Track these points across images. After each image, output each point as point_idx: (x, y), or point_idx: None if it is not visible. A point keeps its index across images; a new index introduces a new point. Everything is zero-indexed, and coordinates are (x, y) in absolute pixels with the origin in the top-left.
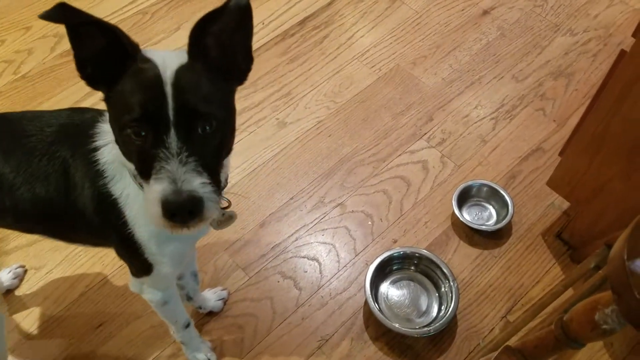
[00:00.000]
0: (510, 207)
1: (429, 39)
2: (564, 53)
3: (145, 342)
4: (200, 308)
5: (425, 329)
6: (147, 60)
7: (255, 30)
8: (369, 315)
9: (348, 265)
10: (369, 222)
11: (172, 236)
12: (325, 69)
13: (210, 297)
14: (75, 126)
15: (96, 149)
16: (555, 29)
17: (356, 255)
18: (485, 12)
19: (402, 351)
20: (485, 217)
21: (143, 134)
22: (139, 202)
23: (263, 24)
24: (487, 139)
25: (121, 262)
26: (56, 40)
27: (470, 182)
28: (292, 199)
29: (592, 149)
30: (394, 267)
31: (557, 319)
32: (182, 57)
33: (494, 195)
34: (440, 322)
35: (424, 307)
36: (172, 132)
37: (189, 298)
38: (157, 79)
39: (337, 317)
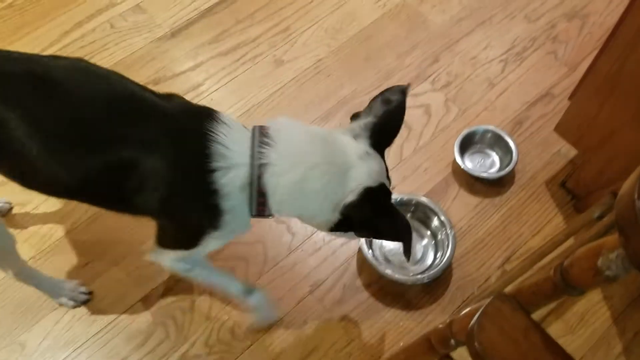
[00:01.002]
0: (514, 154)
1: None
2: None
3: (136, 281)
4: None
5: (419, 276)
6: None
7: None
8: (362, 261)
9: None
10: None
11: (223, 235)
12: (327, 2)
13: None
14: (182, 131)
15: (213, 170)
16: None
17: None
18: None
19: (394, 298)
20: (488, 164)
21: None
22: (238, 217)
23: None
24: (495, 82)
25: None
26: None
27: (474, 128)
28: None
29: (604, 92)
30: None
31: (556, 264)
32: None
33: (498, 142)
34: (435, 270)
35: (419, 255)
36: None
37: None
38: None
39: (330, 263)
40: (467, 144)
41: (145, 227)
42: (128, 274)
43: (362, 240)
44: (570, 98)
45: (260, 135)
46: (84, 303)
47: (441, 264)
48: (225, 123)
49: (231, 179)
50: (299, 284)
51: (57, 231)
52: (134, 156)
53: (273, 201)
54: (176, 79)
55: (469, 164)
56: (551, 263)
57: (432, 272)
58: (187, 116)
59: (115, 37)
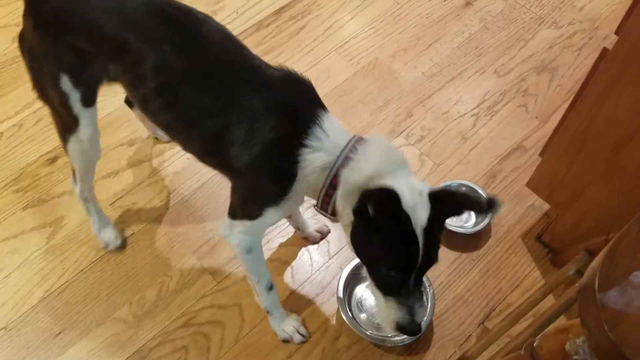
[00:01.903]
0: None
1: (410, 31)
2: (548, 47)
3: (108, 350)
4: (298, 230)
5: (400, 337)
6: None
7: (228, 20)
8: (341, 322)
9: (321, 269)
10: None
11: (284, 205)
12: (302, 61)
13: (310, 224)
14: (293, 108)
15: (305, 145)
16: (539, 21)
17: (330, 259)
18: (468, 3)
19: (377, 359)
20: (464, 218)
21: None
22: (305, 185)
23: (237, 13)
24: (467, 136)
25: (83, 266)
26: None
27: (448, 182)
28: None
29: (573, 150)
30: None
31: (527, 343)
32: (426, 205)
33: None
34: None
35: None
36: (414, 275)
37: (289, 216)
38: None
39: (308, 324)
40: None
41: (120, 294)
42: (100, 343)
43: (341, 298)
44: (541, 154)
45: (357, 142)
46: None
47: (422, 323)
48: (331, 119)
49: (316, 158)
50: (277, 348)
51: (29, 300)
52: (247, 115)
53: (340, 193)
54: (151, 139)
55: None
56: (526, 330)
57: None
58: (302, 93)
59: None
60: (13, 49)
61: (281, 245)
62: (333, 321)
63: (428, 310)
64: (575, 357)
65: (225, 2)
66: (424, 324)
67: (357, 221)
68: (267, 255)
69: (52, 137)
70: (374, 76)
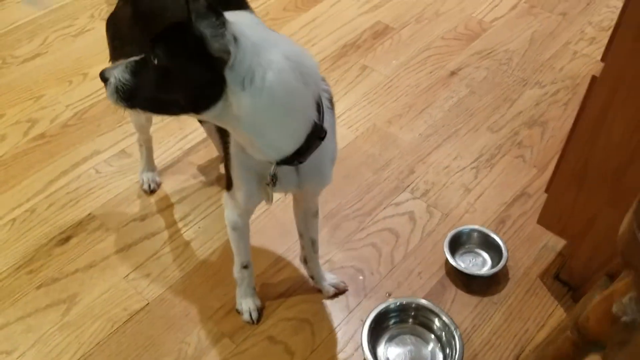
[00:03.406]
0: (503, 250)
1: (402, 99)
2: (535, 104)
3: None
4: (313, 279)
5: None
6: None
7: None
8: None
9: (342, 324)
10: (360, 277)
11: (244, 165)
12: None
13: (327, 277)
14: None
15: None
16: (523, 82)
17: (350, 313)
18: (453, 73)
19: None
20: (480, 263)
21: None
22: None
23: None
24: (471, 187)
25: (99, 339)
26: (29, 125)
27: (459, 229)
28: (276, 260)
29: (576, 182)
30: (391, 322)
31: (572, 323)
32: None
33: (485, 241)
34: None
35: None
36: None
37: (305, 261)
38: None
39: None
40: (455, 246)
41: None
42: None
43: (367, 352)
44: (546, 191)
45: None
46: None
47: None
48: None
49: None
50: None
51: None
52: None
53: None
54: (163, 212)
55: (461, 263)
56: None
57: None
58: None
59: (101, 181)
60: (25, 142)
61: (297, 305)
62: None
63: (457, 354)
64: (624, 318)
65: None
66: None
67: None
68: (284, 315)
69: (65, 219)
70: (373, 140)
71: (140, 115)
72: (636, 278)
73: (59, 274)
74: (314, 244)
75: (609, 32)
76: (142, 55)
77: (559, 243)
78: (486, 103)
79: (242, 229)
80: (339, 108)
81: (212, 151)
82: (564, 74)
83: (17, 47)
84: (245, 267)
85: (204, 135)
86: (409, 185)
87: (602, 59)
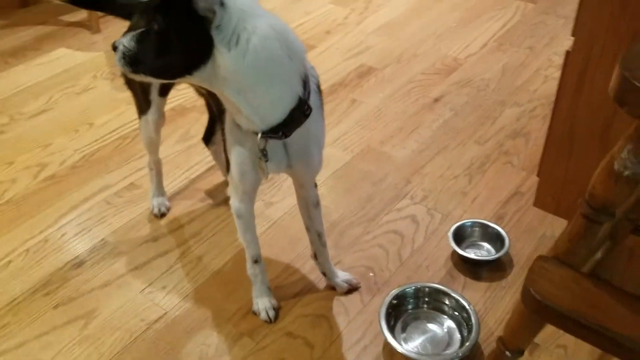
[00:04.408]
0: (505, 238)
1: (391, 124)
2: (515, 119)
3: None
4: (325, 275)
5: (453, 352)
6: None
7: None
8: (390, 358)
9: (357, 317)
10: (371, 274)
11: (237, 141)
12: None
13: (340, 274)
14: None
15: None
16: (502, 104)
17: (364, 306)
18: (436, 100)
19: None
20: (484, 254)
21: None
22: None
23: None
24: (466, 191)
25: (119, 349)
26: (39, 169)
27: (461, 222)
28: (287, 265)
29: (565, 151)
30: (407, 307)
31: (580, 200)
32: None
33: (486, 233)
34: (467, 344)
35: (445, 341)
36: None
37: (316, 257)
38: None
39: None
40: (458, 240)
41: None
42: None
43: (386, 332)
44: (538, 175)
45: None
46: None
47: (471, 338)
48: None
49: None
50: None
51: None
52: None
53: None
54: (174, 233)
55: (466, 254)
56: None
57: (464, 347)
58: None
59: (112, 211)
60: (35, 183)
61: (312, 302)
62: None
63: (474, 327)
64: (626, 172)
65: None
66: (472, 339)
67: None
68: (301, 312)
69: (78, 246)
70: (369, 159)
71: (150, 126)
72: (630, 110)
73: (76, 293)
74: (320, 236)
75: None
76: (146, 27)
77: (556, 231)
78: (470, 122)
79: (245, 217)
80: (332, 134)
81: (218, 176)
82: (539, 94)
83: (24, 106)
84: (256, 261)
85: (210, 164)
86: (407, 193)
87: (572, 34)
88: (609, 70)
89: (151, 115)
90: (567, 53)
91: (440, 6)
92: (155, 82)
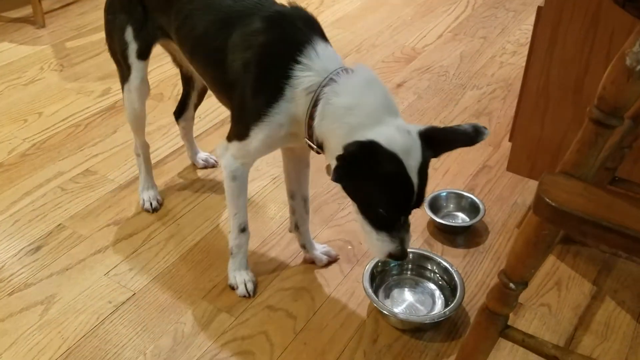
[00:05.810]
0: (479, 204)
1: None
2: (477, 101)
3: None
4: (304, 248)
5: (439, 313)
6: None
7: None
8: (375, 324)
9: (339, 287)
10: (349, 247)
11: (269, 125)
12: None
13: (318, 246)
14: (291, 24)
15: (296, 61)
16: (462, 87)
17: (344, 277)
18: (399, 85)
19: (421, 351)
20: (460, 222)
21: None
22: (293, 108)
23: (199, 118)
24: (436, 166)
25: (84, 332)
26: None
27: (436, 192)
28: (264, 242)
29: (540, 107)
30: (393, 273)
31: (588, 108)
32: (419, 145)
33: (461, 201)
34: (453, 303)
35: (429, 304)
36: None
37: (297, 227)
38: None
39: (342, 334)
40: (434, 210)
41: (130, 349)
42: None
43: (371, 295)
44: (510, 139)
45: (344, 69)
46: None
47: (455, 300)
48: (327, 43)
49: (306, 77)
50: None
51: None
52: (247, 23)
53: (319, 113)
54: (138, 215)
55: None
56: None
57: (448, 309)
58: (303, 20)
59: (68, 197)
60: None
61: (292, 276)
62: (366, 325)
63: (458, 292)
64: (638, 67)
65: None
66: (456, 300)
67: (344, 170)
68: (280, 286)
69: (32, 232)
70: None
71: (132, 95)
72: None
73: (33, 279)
74: (305, 202)
75: (527, 47)
76: None
77: (528, 198)
78: (434, 104)
79: (242, 179)
80: None
81: (183, 159)
82: (497, 77)
83: None
84: (243, 230)
85: (174, 147)
86: None
87: None
88: (582, 25)
89: (133, 81)
90: (539, 9)
91: (393, 2)
92: (134, 43)
